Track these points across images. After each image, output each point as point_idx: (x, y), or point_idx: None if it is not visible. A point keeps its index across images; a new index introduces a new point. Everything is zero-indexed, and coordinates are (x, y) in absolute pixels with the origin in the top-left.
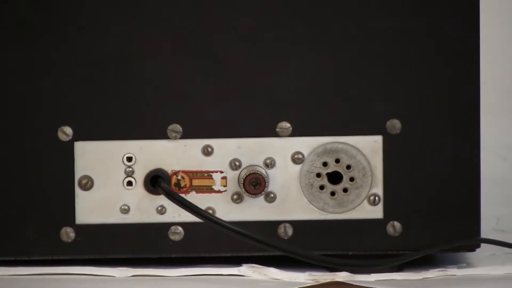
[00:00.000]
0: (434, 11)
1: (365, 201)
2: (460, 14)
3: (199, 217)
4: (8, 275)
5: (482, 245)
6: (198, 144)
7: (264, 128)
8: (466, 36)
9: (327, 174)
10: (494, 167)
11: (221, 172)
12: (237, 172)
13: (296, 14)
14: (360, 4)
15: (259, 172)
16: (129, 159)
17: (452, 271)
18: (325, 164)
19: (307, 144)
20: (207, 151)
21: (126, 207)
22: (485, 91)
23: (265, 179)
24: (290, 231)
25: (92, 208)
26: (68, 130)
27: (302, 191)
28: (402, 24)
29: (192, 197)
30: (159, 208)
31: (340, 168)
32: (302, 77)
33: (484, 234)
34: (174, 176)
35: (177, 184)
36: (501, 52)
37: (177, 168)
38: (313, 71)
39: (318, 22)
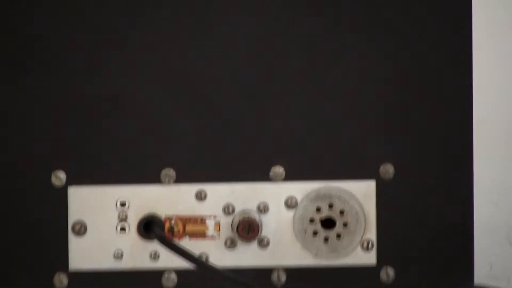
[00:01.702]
0: (427, 62)
1: (359, 247)
2: (452, 65)
3: (192, 263)
4: None
5: None
6: (191, 189)
7: (257, 173)
8: (459, 85)
9: (321, 219)
10: (487, 212)
11: (215, 217)
12: (231, 217)
13: (289, 58)
14: (353, 52)
15: (252, 218)
16: (123, 204)
17: None
18: (318, 209)
19: (300, 189)
20: (200, 196)
21: (119, 253)
22: (478, 135)
23: (259, 224)
24: (283, 278)
25: (86, 253)
26: (62, 174)
27: (296, 236)
28: (395, 71)
29: (186, 243)
30: (153, 254)
31: (334, 213)
32: (295, 122)
33: (477, 280)
34: (168, 221)
35: (171, 229)
36: (494, 96)
37: (170, 213)
38: (306, 116)
39: (311, 66)
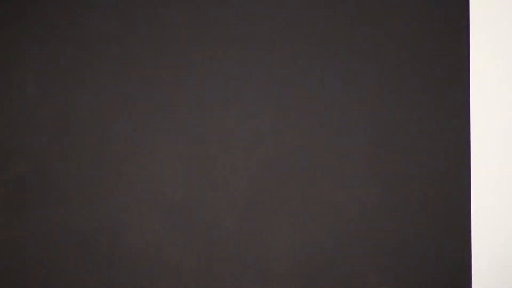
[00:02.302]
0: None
1: None
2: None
3: None
4: None
5: None
6: None
7: None
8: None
9: None
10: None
11: None
12: None
13: (285, 179)
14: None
15: None
16: None
17: None
18: None
19: None
20: None
21: None
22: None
23: None
24: None
25: None
26: None
27: None
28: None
29: None
30: None
31: None
32: (292, 249)
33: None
34: None
35: None
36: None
37: None
38: (303, 243)
39: (306, 186)
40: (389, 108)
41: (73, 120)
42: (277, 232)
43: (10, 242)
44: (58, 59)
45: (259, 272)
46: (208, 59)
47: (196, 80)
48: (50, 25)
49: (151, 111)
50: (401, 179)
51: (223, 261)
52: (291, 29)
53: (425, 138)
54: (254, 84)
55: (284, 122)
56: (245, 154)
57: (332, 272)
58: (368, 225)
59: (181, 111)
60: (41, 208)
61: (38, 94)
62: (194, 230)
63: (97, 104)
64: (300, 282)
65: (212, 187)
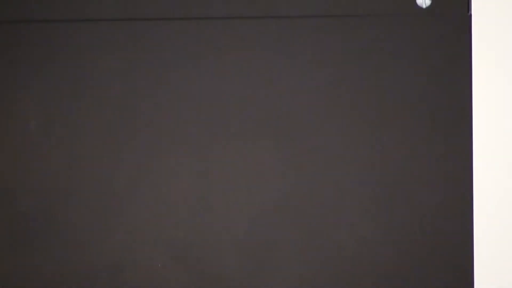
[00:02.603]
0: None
1: None
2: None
3: None
4: None
5: None
6: None
7: None
8: None
9: None
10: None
11: None
12: None
13: (288, 218)
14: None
15: None
16: None
17: None
18: None
19: None
20: None
21: None
22: None
23: None
24: None
25: None
26: None
27: None
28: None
29: None
30: None
31: None
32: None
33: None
34: None
35: None
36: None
37: None
38: (305, 282)
39: (309, 225)
40: (393, 151)
41: (76, 157)
42: (278, 271)
43: (13, 279)
44: (61, 96)
45: None
46: (211, 94)
47: (199, 117)
48: (53, 60)
49: (153, 149)
50: (403, 218)
51: None
52: (295, 64)
53: (428, 180)
54: (258, 122)
55: (287, 161)
56: (248, 192)
57: None
58: (370, 264)
59: (183, 148)
60: (44, 245)
61: (41, 130)
62: (196, 268)
63: (100, 142)
64: None
65: (214, 224)
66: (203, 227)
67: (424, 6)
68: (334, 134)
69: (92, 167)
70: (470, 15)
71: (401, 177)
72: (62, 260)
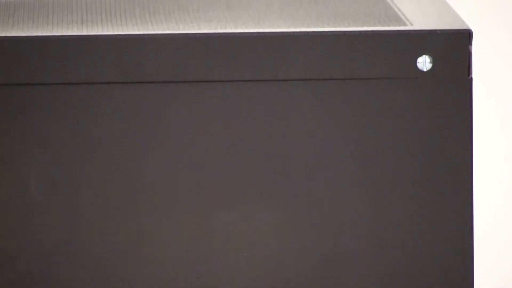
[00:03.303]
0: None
1: None
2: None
3: None
4: None
5: None
6: None
7: None
8: None
9: None
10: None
11: None
12: None
13: (289, 278)
14: None
15: None
16: None
17: None
18: None
19: None
20: None
21: None
22: None
23: None
24: None
25: None
26: None
27: None
28: None
29: None
30: None
31: None
32: None
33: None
34: None
35: None
36: None
37: None
38: None
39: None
40: (398, 210)
41: (77, 223)
42: None
43: None
44: (62, 162)
45: None
46: (212, 156)
47: (200, 179)
48: (53, 127)
49: (155, 215)
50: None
51: None
52: (294, 127)
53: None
54: (259, 184)
55: (288, 218)
56: (250, 256)
57: None
58: None
59: (184, 215)
60: None
61: (41, 193)
62: None
63: (101, 207)
64: None
65: (214, 284)
66: (204, 284)
67: (425, 70)
68: (336, 198)
69: (92, 232)
70: (471, 79)
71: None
72: None
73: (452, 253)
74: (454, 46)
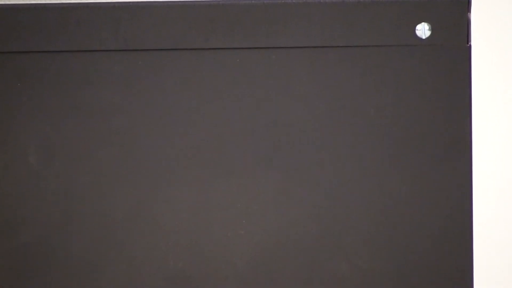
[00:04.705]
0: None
1: None
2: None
3: None
4: None
5: None
6: None
7: None
8: None
9: None
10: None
11: None
12: None
13: (289, 250)
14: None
15: None
16: None
17: None
18: None
19: None
20: None
21: None
22: None
23: None
24: None
25: None
26: None
27: None
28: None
29: None
30: None
31: None
32: None
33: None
34: None
35: None
36: None
37: None
38: None
39: (310, 256)
40: (396, 187)
41: (76, 191)
42: None
43: None
44: (61, 130)
45: None
46: (211, 126)
47: (199, 150)
48: (52, 95)
49: (154, 183)
50: (404, 254)
51: None
52: (293, 95)
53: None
54: (257, 154)
55: (288, 192)
56: (249, 225)
57: None
58: None
59: (183, 182)
60: (43, 278)
61: (40, 164)
62: None
63: (100, 175)
64: None
65: (215, 257)
66: (204, 260)
67: (423, 37)
68: (334, 167)
69: (91, 200)
70: (470, 46)
71: (408, 217)
72: None
73: (450, 210)
74: (453, 13)
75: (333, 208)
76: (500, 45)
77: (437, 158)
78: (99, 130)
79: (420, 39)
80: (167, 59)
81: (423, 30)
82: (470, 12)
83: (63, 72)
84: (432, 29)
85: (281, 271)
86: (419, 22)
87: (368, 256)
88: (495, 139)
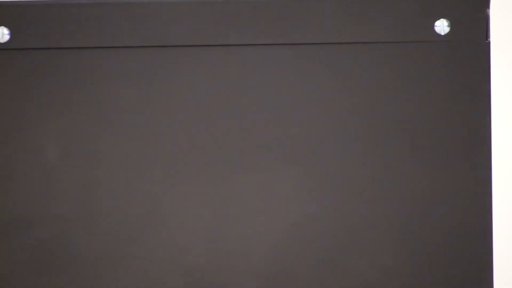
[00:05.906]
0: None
1: None
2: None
3: None
4: None
5: None
6: None
7: None
8: None
9: None
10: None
11: None
12: None
13: (308, 245)
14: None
15: None
16: None
17: None
18: None
19: None
20: None
21: None
22: None
23: None
24: None
25: None
26: None
27: None
28: None
29: None
30: None
31: None
32: None
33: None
34: None
35: None
36: None
37: None
38: None
39: (329, 252)
40: (416, 179)
41: (94, 186)
42: None
43: None
44: (79, 125)
45: None
46: (228, 121)
47: (217, 145)
48: (69, 92)
49: (173, 179)
50: (420, 250)
51: None
52: (310, 91)
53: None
54: (274, 149)
55: (306, 189)
56: (268, 220)
57: None
58: None
59: (203, 179)
60: (61, 273)
61: (58, 159)
62: None
63: (117, 170)
64: None
65: (232, 252)
66: (222, 256)
67: (442, 33)
68: (353, 163)
69: (110, 195)
70: (489, 42)
71: (421, 202)
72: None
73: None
74: (472, 9)
75: (351, 205)
76: None
77: (456, 154)
78: (116, 126)
79: (439, 35)
80: (184, 55)
81: (442, 26)
82: (489, 8)
83: (80, 69)
84: (451, 25)
85: (299, 268)
86: (438, 19)
87: (387, 253)
88: None
